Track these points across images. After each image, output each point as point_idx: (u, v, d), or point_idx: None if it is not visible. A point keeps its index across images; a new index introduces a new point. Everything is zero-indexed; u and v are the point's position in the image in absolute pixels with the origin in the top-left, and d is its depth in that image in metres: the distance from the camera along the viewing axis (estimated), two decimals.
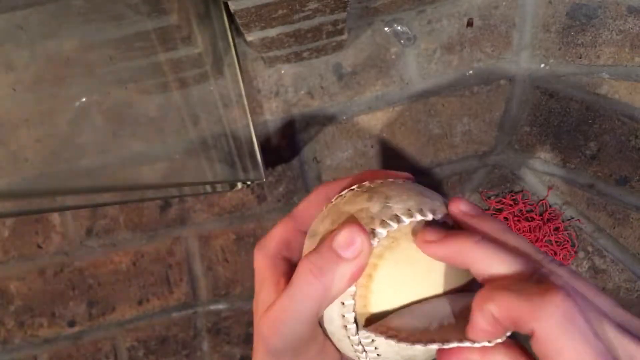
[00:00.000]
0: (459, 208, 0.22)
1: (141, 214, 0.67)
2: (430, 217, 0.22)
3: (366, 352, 0.22)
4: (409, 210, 0.22)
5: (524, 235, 0.66)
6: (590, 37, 0.65)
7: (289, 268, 0.24)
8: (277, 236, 0.25)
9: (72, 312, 0.67)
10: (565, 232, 0.67)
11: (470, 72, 0.67)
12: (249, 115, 0.64)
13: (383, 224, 0.21)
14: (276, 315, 0.21)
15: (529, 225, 0.66)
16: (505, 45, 0.66)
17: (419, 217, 0.22)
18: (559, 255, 0.66)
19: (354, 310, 0.21)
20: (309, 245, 0.23)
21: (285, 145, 0.67)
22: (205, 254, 0.68)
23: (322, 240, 0.22)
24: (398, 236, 0.21)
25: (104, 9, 0.51)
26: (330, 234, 0.21)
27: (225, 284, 0.68)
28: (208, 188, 0.64)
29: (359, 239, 0.20)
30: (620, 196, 0.65)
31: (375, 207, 0.22)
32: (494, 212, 0.67)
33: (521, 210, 0.67)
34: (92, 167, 0.51)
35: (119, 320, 0.68)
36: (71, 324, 0.67)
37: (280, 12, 0.45)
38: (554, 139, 0.66)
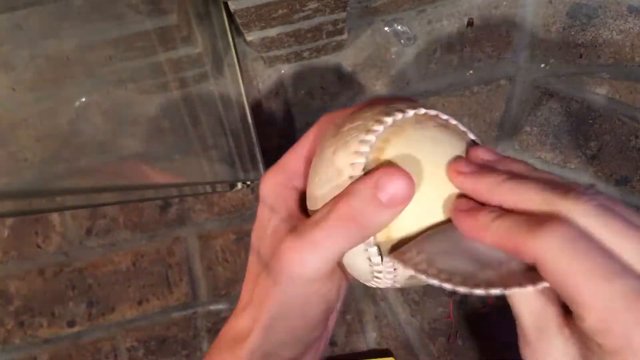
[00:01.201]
0: (480, 157, 0.21)
1: (141, 214, 0.67)
2: (433, 112, 0.23)
3: (382, 262, 0.21)
4: (415, 107, 0.22)
5: None
6: (591, 37, 0.65)
7: (300, 196, 0.24)
8: (288, 165, 0.25)
9: (72, 312, 0.67)
10: None
11: (471, 72, 0.67)
12: (249, 115, 0.64)
13: (389, 114, 0.22)
14: (304, 247, 0.20)
15: None
16: (505, 45, 0.66)
17: (422, 111, 0.22)
18: None
19: None
20: (325, 173, 0.22)
21: (285, 145, 0.67)
22: (205, 254, 0.68)
23: (351, 178, 0.21)
24: (404, 124, 0.22)
25: (104, 9, 0.51)
26: (365, 174, 0.20)
27: (225, 284, 0.68)
28: (208, 188, 0.64)
29: (405, 187, 0.19)
30: (621, 196, 0.65)
31: (382, 108, 0.23)
32: None
33: None
34: (91, 167, 0.51)
35: (118, 320, 0.68)
36: (71, 324, 0.67)
37: (280, 11, 0.45)
38: (554, 139, 0.66)
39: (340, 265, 0.24)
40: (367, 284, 0.24)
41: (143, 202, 0.67)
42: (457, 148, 0.22)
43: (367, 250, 0.21)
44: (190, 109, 0.63)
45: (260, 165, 0.64)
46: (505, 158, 0.21)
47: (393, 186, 0.19)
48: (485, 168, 0.20)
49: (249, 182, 0.64)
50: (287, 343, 0.23)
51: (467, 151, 0.22)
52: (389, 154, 0.21)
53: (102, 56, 0.52)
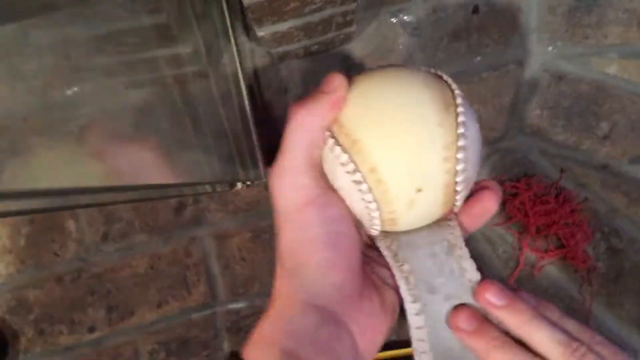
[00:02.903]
0: (485, 298, 0.23)
1: (156, 216, 0.67)
2: (398, 65, 0.28)
3: (359, 171, 0.24)
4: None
5: (541, 219, 0.66)
6: (596, 18, 0.65)
7: None
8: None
9: (92, 318, 0.67)
10: (581, 214, 0.67)
11: (478, 58, 0.67)
12: (249, 114, 0.64)
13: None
14: (279, 154, 0.25)
15: (544, 209, 0.66)
16: (512, 30, 0.66)
17: (387, 64, 0.28)
18: (577, 237, 0.66)
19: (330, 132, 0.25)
20: None
21: None
22: (222, 254, 0.68)
23: None
24: (372, 71, 0.26)
25: (101, 10, 0.51)
26: None
27: (243, 282, 0.68)
28: (208, 188, 0.64)
29: (337, 77, 0.26)
30: (634, 175, 0.65)
31: None
32: (509, 197, 0.67)
33: (536, 194, 0.67)
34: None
35: (138, 324, 0.67)
36: (91, 329, 0.67)
37: (292, 4, 0.45)
38: (565, 121, 0.66)
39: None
40: (370, 228, 0.25)
41: (144, 201, 0.66)
42: (417, 76, 0.26)
43: (347, 172, 0.23)
44: (189, 108, 0.63)
45: (260, 165, 0.64)
46: (510, 304, 0.23)
47: (326, 78, 0.26)
48: (483, 325, 0.23)
49: (248, 182, 0.64)
50: (311, 283, 0.24)
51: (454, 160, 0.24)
52: (354, 89, 0.25)
53: (101, 57, 0.53)
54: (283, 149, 0.25)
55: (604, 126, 0.65)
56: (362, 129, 0.23)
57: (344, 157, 0.23)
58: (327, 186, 0.25)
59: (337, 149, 0.23)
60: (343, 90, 0.25)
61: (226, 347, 0.68)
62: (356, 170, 0.23)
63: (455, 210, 0.25)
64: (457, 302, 0.23)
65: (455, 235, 0.24)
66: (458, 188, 0.24)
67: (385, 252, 0.24)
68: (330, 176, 0.25)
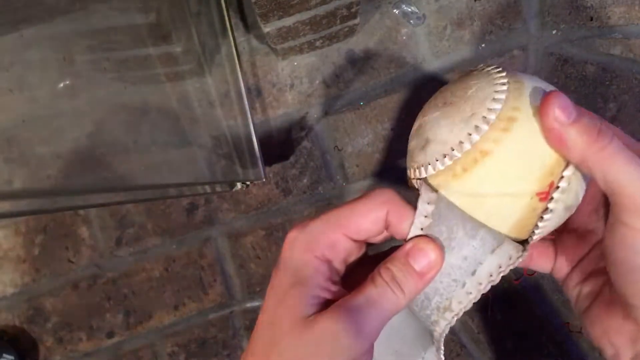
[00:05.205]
0: (553, 114, 0.21)
1: (168, 219, 0.67)
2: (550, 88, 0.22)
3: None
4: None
5: None
6: None
7: (333, 272, 0.24)
8: (323, 236, 0.24)
9: (110, 323, 0.67)
10: None
11: (483, 45, 0.67)
12: (248, 114, 0.64)
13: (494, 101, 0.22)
14: (354, 318, 0.21)
15: None
16: (515, 15, 0.66)
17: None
18: None
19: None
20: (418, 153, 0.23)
21: (304, 136, 0.67)
22: (236, 253, 0.68)
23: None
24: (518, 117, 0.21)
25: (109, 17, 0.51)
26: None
27: (259, 280, 0.68)
28: (207, 188, 0.64)
29: (434, 255, 0.22)
30: None
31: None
32: None
33: None
34: (94, 168, 0.52)
35: (157, 327, 0.68)
36: (110, 335, 0.67)
37: None
38: None
39: None
40: (447, 154, 0.23)
41: (147, 201, 0.66)
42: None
43: (498, 84, 0.23)
44: (190, 111, 0.63)
45: (260, 165, 0.63)
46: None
47: (421, 252, 0.23)
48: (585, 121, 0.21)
49: (248, 182, 0.64)
50: None
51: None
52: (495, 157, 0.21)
53: (99, 59, 0.53)
54: (363, 310, 0.22)
55: (612, 107, 0.65)
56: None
57: (503, 77, 0.22)
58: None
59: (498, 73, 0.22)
60: (438, 269, 0.23)
61: (246, 345, 0.68)
62: (505, 91, 0.21)
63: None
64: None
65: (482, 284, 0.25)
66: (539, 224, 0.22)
67: (420, 206, 0.23)
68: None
